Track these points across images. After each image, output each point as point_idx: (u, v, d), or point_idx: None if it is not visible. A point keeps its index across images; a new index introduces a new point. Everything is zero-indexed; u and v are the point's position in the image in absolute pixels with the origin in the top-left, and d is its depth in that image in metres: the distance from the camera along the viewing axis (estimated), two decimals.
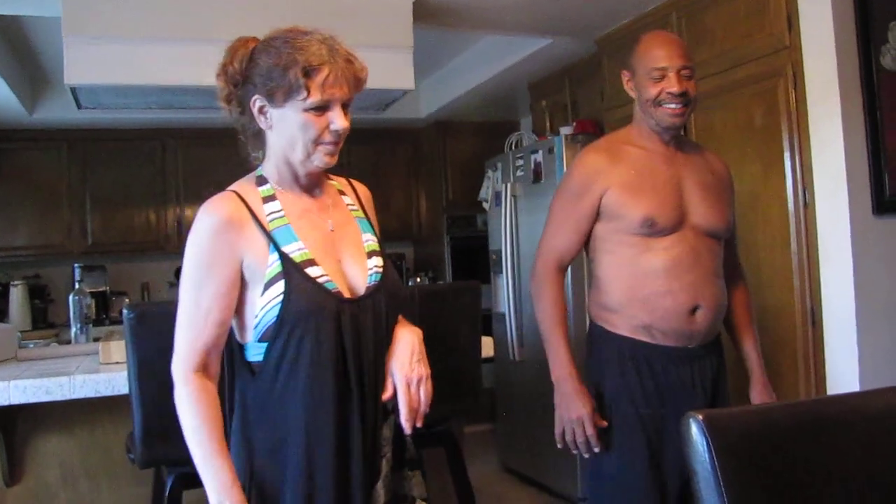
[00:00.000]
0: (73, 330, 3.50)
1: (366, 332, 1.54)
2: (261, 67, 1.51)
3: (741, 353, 2.27)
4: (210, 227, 1.51)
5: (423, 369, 1.60)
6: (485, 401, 2.56)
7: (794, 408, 1.36)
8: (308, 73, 1.47)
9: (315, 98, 1.48)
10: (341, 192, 1.71)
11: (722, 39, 3.34)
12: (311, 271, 1.51)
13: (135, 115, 5.12)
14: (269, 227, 1.53)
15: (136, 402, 2.09)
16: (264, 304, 1.50)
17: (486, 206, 4.76)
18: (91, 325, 3.61)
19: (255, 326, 1.52)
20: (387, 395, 1.57)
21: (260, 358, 1.53)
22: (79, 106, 3.66)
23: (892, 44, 2.88)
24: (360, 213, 1.70)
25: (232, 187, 1.60)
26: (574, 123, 4.32)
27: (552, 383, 2.10)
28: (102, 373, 2.41)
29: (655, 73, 2.04)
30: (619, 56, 3.73)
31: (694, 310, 2.05)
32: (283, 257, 1.51)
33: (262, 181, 1.61)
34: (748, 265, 3.06)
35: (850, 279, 2.79)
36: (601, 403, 2.08)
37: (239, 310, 1.54)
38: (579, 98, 4.74)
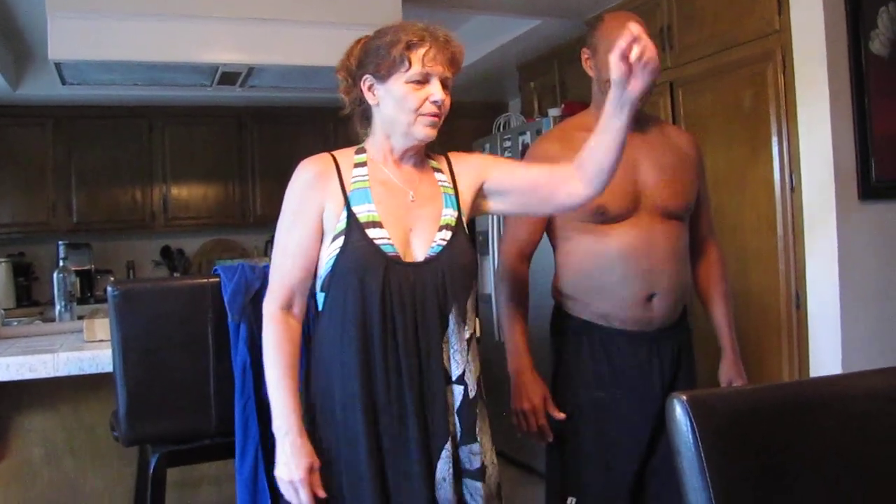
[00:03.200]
0: (58, 308, 3.47)
1: (417, 295, 1.62)
2: (371, 50, 1.67)
3: (713, 327, 2.27)
4: (302, 180, 1.67)
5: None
6: None
7: (778, 390, 1.37)
8: (410, 47, 1.62)
9: (416, 69, 1.62)
10: (436, 169, 1.78)
11: (712, 22, 3.34)
12: (372, 232, 1.62)
13: (120, 92, 5.06)
14: (350, 188, 1.66)
15: (121, 380, 2.08)
16: (327, 256, 1.64)
17: None
18: (76, 304, 3.59)
19: (320, 277, 1.66)
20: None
21: (321, 306, 1.68)
22: (63, 82, 3.62)
23: (882, 29, 2.88)
24: (450, 189, 1.75)
25: (333, 151, 1.73)
26: (563, 105, 4.31)
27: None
28: (87, 350, 2.40)
29: None
30: None
31: (650, 297, 2.05)
32: (351, 216, 1.62)
33: (360, 151, 1.74)
34: (734, 248, 3.08)
35: (835, 263, 2.80)
36: (557, 384, 2.11)
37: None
38: (568, 79, 4.73)
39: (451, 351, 1.67)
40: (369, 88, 1.68)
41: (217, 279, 1.99)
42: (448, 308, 1.66)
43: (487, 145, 4.57)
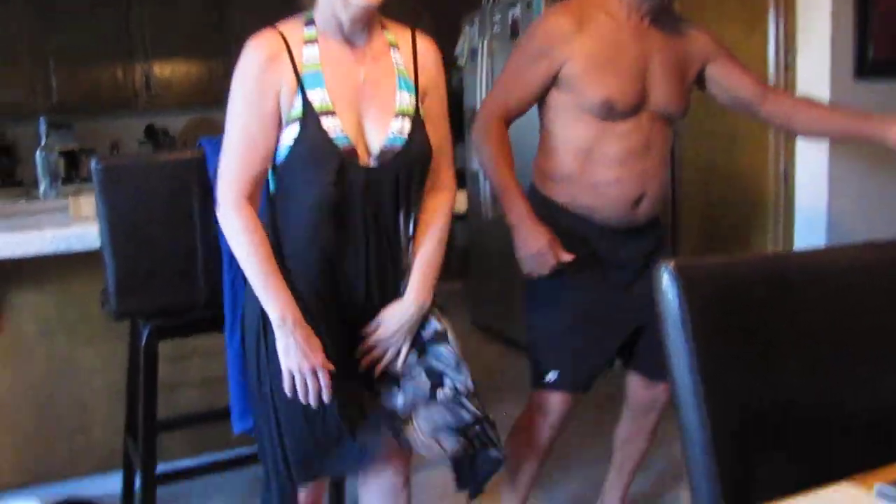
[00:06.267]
0: (42, 187, 3.43)
1: (371, 200, 1.60)
2: None
3: (848, 130, 2.19)
4: (255, 62, 1.58)
5: (400, 349, 1.72)
6: (456, 258, 2.59)
7: (765, 261, 1.38)
8: None
9: None
10: (393, 46, 1.69)
11: None
12: (327, 122, 1.56)
13: None
14: (302, 70, 1.58)
15: (109, 256, 2.07)
16: (283, 142, 1.59)
17: (461, 63, 4.65)
18: (61, 183, 3.55)
19: (275, 158, 1.61)
20: (366, 330, 1.70)
21: (272, 188, 1.65)
22: None
23: None
24: (407, 72, 1.68)
25: (279, 24, 1.63)
26: None
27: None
28: (73, 227, 2.39)
29: None
30: None
31: (639, 199, 2.04)
32: (306, 102, 1.56)
33: (310, 23, 1.64)
34: (723, 126, 3.06)
35: (825, 142, 2.79)
36: None
37: None
38: None
39: (402, 247, 1.69)
40: None
41: (202, 153, 1.97)
42: (400, 209, 1.65)
43: (477, 20, 4.45)
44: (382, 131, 1.61)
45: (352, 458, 1.68)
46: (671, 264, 1.11)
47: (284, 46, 1.59)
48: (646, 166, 2.03)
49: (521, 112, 2.10)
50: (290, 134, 1.57)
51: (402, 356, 1.73)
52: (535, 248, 1.99)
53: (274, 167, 1.62)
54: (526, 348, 2.25)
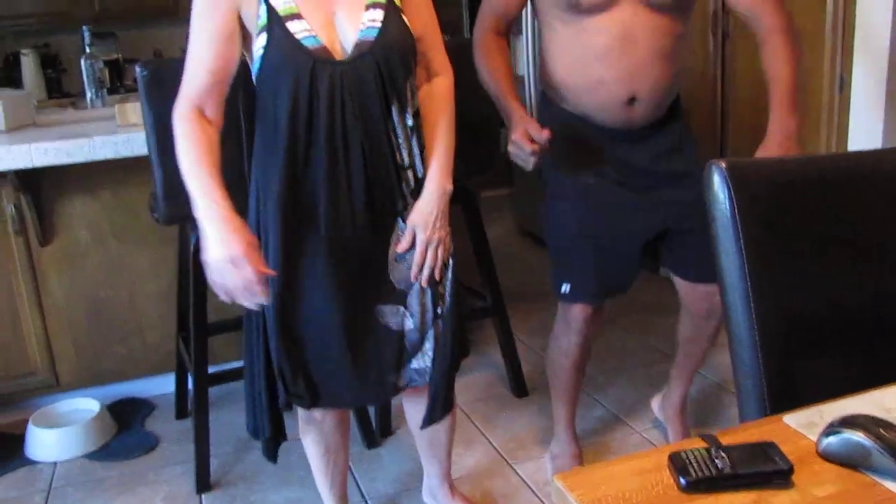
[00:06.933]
0: (89, 95, 3.47)
1: (349, 92, 1.55)
2: None
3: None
4: None
5: (442, 232, 1.69)
6: (502, 164, 2.56)
7: (817, 161, 1.35)
8: None
9: None
10: None
11: None
12: (292, 25, 1.51)
13: None
14: None
15: (156, 161, 2.10)
16: (254, 55, 1.56)
17: None
18: (106, 92, 3.57)
19: (253, 72, 1.59)
20: (402, 247, 1.67)
21: (256, 107, 1.63)
22: None
23: None
24: None
25: None
26: None
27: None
28: (121, 134, 2.41)
29: None
30: None
31: (631, 100, 1.93)
32: (270, 9, 1.51)
33: None
34: None
35: (887, 42, 2.67)
36: (545, 170, 2.08)
37: (249, 57, 1.59)
38: None
39: (398, 141, 1.63)
40: None
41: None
42: (390, 102, 1.60)
43: None
44: (355, 25, 1.56)
45: (354, 394, 1.71)
46: (722, 164, 1.09)
47: None
48: (631, 64, 1.89)
49: (510, 16, 2.03)
50: (259, 44, 1.53)
51: (445, 247, 1.73)
52: (516, 135, 1.85)
53: (255, 82, 1.60)
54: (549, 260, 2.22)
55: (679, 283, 2.20)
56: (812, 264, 1.16)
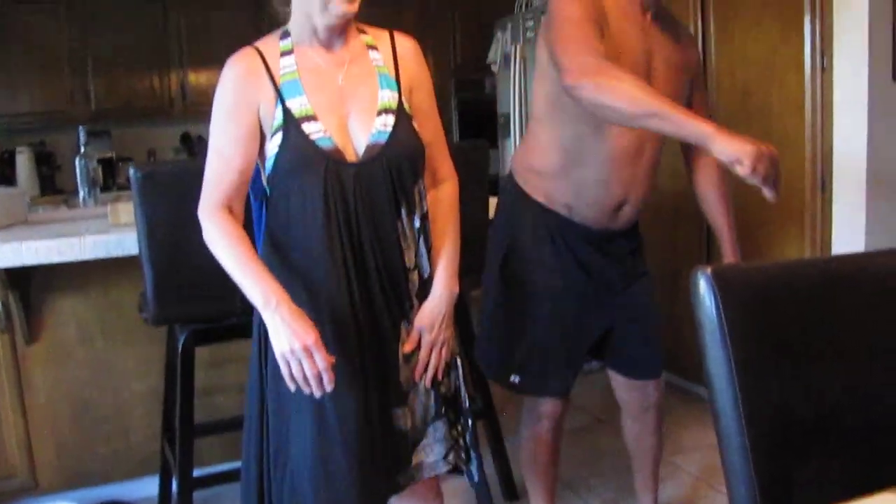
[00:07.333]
0: (82, 194, 3.50)
1: (361, 193, 1.58)
2: None
3: (715, 231, 2.18)
4: (229, 79, 1.61)
5: (447, 333, 1.72)
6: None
7: (803, 266, 1.36)
8: None
9: None
10: (371, 47, 1.69)
11: None
12: (308, 126, 1.56)
13: None
14: (280, 80, 1.59)
15: (147, 262, 2.11)
16: (269, 154, 1.60)
17: (494, 68, 4.66)
18: (99, 190, 3.61)
19: (266, 170, 1.62)
20: (408, 347, 1.69)
21: (267, 200, 1.66)
22: None
23: None
24: (387, 70, 1.67)
25: (256, 42, 1.66)
26: None
27: None
28: (112, 234, 2.43)
29: None
30: None
31: (621, 205, 2.01)
32: (286, 111, 1.57)
33: (285, 35, 1.66)
34: (759, 131, 3.02)
35: (864, 146, 2.75)
36: (508, 262, 2.09)
37: (261, 155, 1.64)
38: None
39: (405, 242, 1.66)
40: None
41: None
42: (400, 204, 1.63)
43: (509, 25, 4.45)
44: (367, 129, 1.61)
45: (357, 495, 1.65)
46: (708, 270, 1.10)
47: (261, 61, 1.61)
48: (635, 170, 1.98)
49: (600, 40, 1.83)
50: (275, 144, 1.58)
51: (448, 348, 1.74)
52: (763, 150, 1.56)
53: (268, 181, 1.63)
54: (480, 348, 2.25)
55: (617, 380, 2.25)
56: (801, 367, 1.16)
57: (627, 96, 1.64)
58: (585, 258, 2.06)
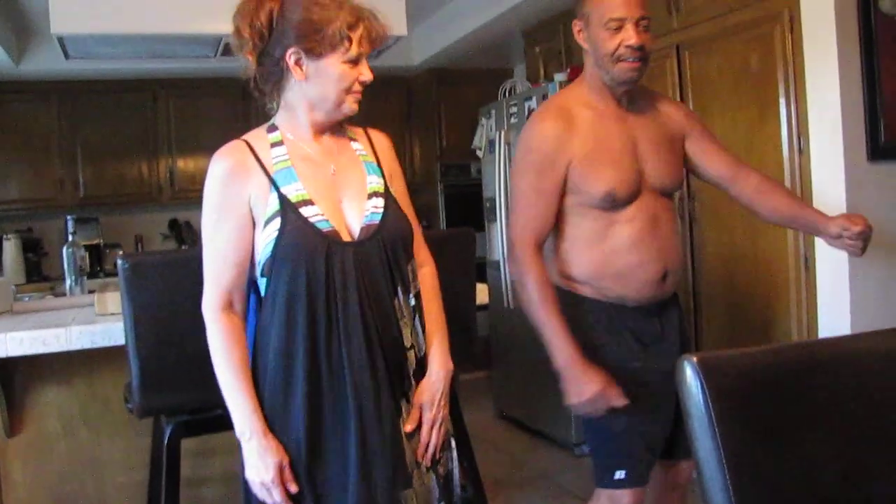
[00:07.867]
0: (68, 282, 3.49)
1: (360, 273, 1.61)
2: (298, 21, 1.59)
3: (797, 217, 2.17)
4: (219, 174, 1.62)
5: (446, 411, 1.74)
6: (480, 348, 2.57)
7: (787, 350, 1.37)
8: (349, 27, 1.59)
9: (354, 51, 1.61)
10: (352, 139, 1.76)
11: None
12: (306, 211, 1.60)
13: (124, 65, 5.05)
14: (273, 169, 1.63)
15: (133, 353, 2.10)
16: (264, 241, 1.61)
17: (479, 153, 4.73)
18: (86, 278, 3.61)
19: (259, 262, 1.63)
20: (409, 427, 1.69)
21: (263, 292, 1.65)
22: (66, 56, 3.60)
23: None
24: (370, 158, 1.74)
25: (244, 136, 1.69)
26: (568, 70, 4.28)
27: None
28: (98, 324, 2.42)
29: (612, 23, 1.93)
30: None
31: (665, 276, 2.05)
32: (282, 197, 1.60)
33: (272, 129, 1.69)
34: (741, 210, 3.07)
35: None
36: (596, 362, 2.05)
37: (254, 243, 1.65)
38: (573, 44, 4.65)
39: (402, 320, 1.68)
40: (297, 63, 1.60)
41: None
42: (396, 282, 1.67)
43: (493, 111, 4.54)
44: (360, 211, 1.66)
45: None
46: (694, 358, 1.11)
47: (250, 152, 1.64)
48: (662, 243, 2.05)
49: (548, 230, 2.05)
50: (271, 230, 1.59)
51: (445, 426, 1.74)
52: (587, 395, 1.93)
53: (261, 271, 1.63)
54: (590, 448, 2.19)
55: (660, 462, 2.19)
56: (790, 450, 1.16)
57: (530, 302, 1.99)
58: (648, 336, 2.08)
